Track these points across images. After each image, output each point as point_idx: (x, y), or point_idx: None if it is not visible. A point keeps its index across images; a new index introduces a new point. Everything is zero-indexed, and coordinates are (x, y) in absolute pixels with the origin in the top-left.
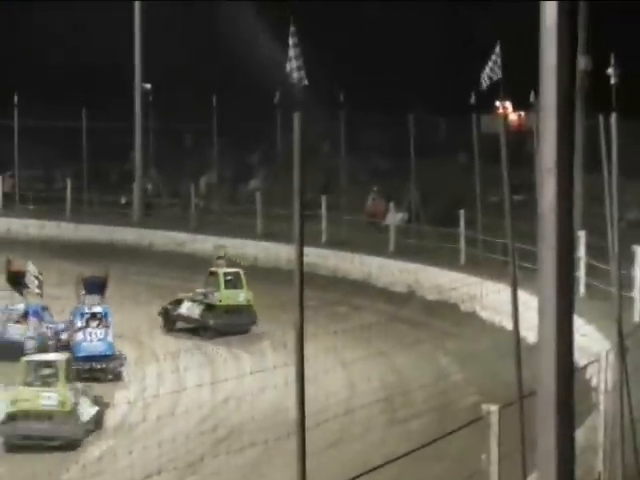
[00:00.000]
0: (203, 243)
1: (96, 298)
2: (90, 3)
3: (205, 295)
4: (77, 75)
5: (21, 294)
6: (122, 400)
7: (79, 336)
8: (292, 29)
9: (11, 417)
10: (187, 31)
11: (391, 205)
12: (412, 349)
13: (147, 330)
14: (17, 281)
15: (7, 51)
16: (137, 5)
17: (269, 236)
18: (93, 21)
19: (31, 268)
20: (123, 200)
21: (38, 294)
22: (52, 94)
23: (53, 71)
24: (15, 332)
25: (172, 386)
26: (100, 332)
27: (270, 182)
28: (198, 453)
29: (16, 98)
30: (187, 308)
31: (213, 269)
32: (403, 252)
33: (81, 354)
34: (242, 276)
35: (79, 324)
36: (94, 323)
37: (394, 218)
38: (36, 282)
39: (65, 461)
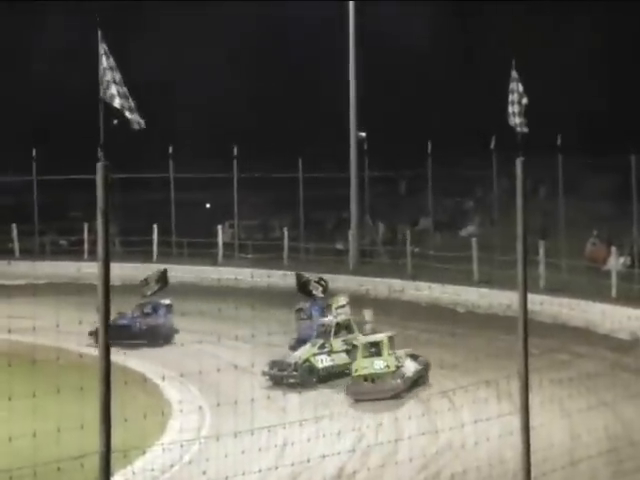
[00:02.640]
0: (421, 290)
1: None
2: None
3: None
4: (291, 129)
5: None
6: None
7: None
8: (513, 74)
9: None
10: (401, 78)
11: (613, 249)
12: (638, 399)
13: None
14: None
15: (230, 107)
16: (352, 59)
17: (486, 282)
18: (312, 73)
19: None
20: (339, 246)
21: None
22: (268, 147)
23: (268, 124)
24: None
25: (391, 434)
26: None
27: (486, 228)
28: None
29: (235, 151)
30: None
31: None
32: (626, 298)
33: None
34: None
35: None
36: None
37: (616, 263)
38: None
39: None
